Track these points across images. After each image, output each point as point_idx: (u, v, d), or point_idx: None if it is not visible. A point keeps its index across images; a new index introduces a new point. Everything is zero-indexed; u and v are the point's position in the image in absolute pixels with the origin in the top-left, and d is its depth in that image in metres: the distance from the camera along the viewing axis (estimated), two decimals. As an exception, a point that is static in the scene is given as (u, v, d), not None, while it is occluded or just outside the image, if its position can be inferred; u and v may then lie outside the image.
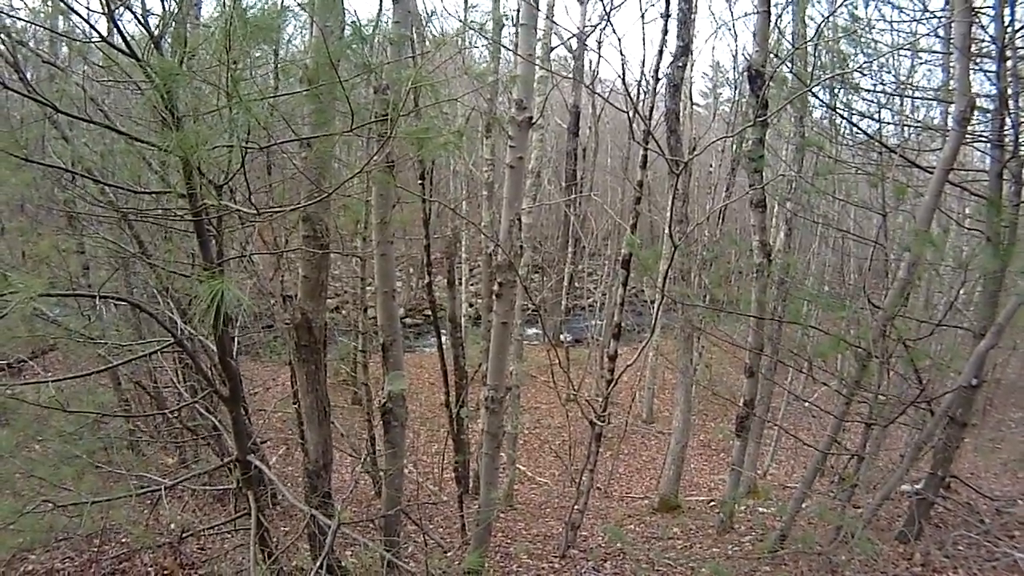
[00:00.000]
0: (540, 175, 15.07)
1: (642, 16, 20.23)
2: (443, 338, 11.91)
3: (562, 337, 24.47)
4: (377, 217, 5.78)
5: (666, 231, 9.06)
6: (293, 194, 6.64)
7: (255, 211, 3.86)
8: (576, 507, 8.45)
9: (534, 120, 5.96)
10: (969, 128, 8.06)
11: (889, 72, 11.11)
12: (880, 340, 6.42)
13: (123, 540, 6.77)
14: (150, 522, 5.58)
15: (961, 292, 8.63)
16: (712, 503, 11.22)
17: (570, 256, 26.85)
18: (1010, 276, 6.60)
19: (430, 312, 12.23)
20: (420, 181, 10.11)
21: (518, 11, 8.77)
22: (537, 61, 7.05)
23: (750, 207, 8.72)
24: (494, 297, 5.99)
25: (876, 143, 8.84)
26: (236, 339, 7.74)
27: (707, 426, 18.66)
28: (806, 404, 12.32)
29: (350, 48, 3.59)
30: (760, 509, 10.07)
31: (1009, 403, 19.66)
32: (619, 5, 18.51)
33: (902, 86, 10.16)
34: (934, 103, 12.06)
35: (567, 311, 26.87)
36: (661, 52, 7.93)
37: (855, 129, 9.54)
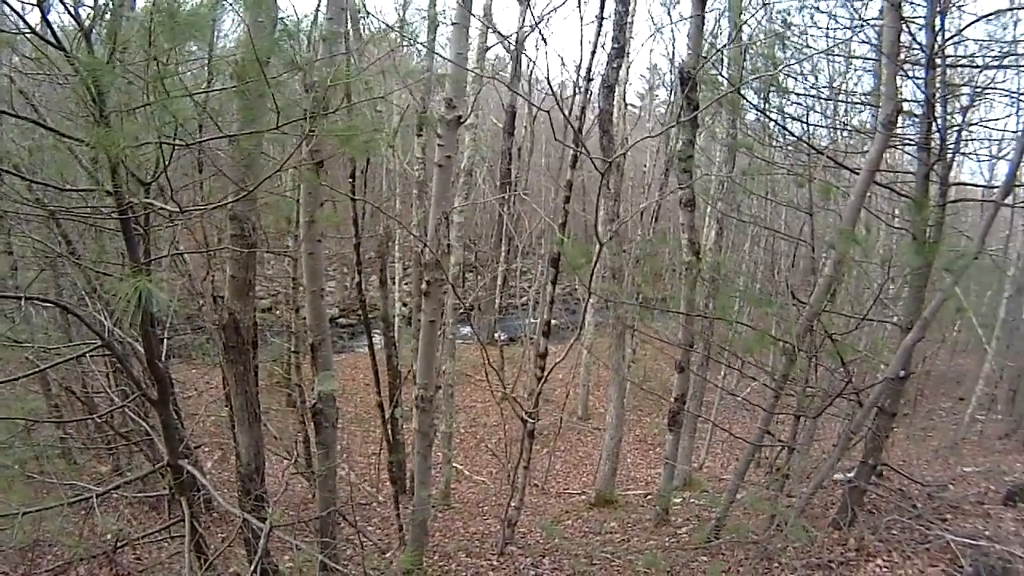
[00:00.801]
0: (472, 174, 15.05)
1: (580, 18, 20.30)
2: (375, 338, 11.81)
3: (496, 336, 24.46)
4: (305, 215, 5.70)
5: (613, 229, 9.16)
6: (223, 192, 6.53)
7: (178, 209, 3.78)
8: (512, 504, 8.48)
9: (463, 119, 5.96)
10: (899, 132, 8.30)
11: (818, 77, 11.37)
12: (806, 335, 6.57)
13: (57, 552, 6.61)
14: (84, 532, 5.45)
15: (888, 288, 8.86)
16: (648, 496, 11.35)
17: (503, 255, 26.86)
18: (936, 272, 6.81)
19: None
20: (350, 179, 10.02)
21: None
22: (470, 61, 7.06)
23: (680, 206, 8.83)
24: (422, 296, 5.96)
25: (804, 145, 9.04)
26: (165, 340, 7.56)
27: (642, 421, 18.85)
28: (739, 399, 12.54)
29: (277, 45, 3.53)
30: (696, 501, 10.23)
31: (939, 393, 20.36)
32: (557, 6, 18.62)
33: (833, 90, 10.40)
34: (867, 108, 12.40)
35: (501, 310, 26.89)
36: (594, 53, 8.03)
37: (785, 131, 9.73)
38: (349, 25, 9.33)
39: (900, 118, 8.94)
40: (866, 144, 11.12)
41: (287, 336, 13.94)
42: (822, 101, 10.30)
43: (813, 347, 6.69)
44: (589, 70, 8.46)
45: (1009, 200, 9.80)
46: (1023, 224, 16.00)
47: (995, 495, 8.55)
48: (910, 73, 8.42)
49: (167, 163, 3.31)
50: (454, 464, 13.63)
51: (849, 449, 6.75)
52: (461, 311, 14.11)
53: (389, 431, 10.67)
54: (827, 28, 9.24)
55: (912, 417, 17.16)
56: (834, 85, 10.87)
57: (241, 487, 5.87)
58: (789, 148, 9.69)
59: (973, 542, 6.58)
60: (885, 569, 6.32)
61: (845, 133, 11.31)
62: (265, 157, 5.37)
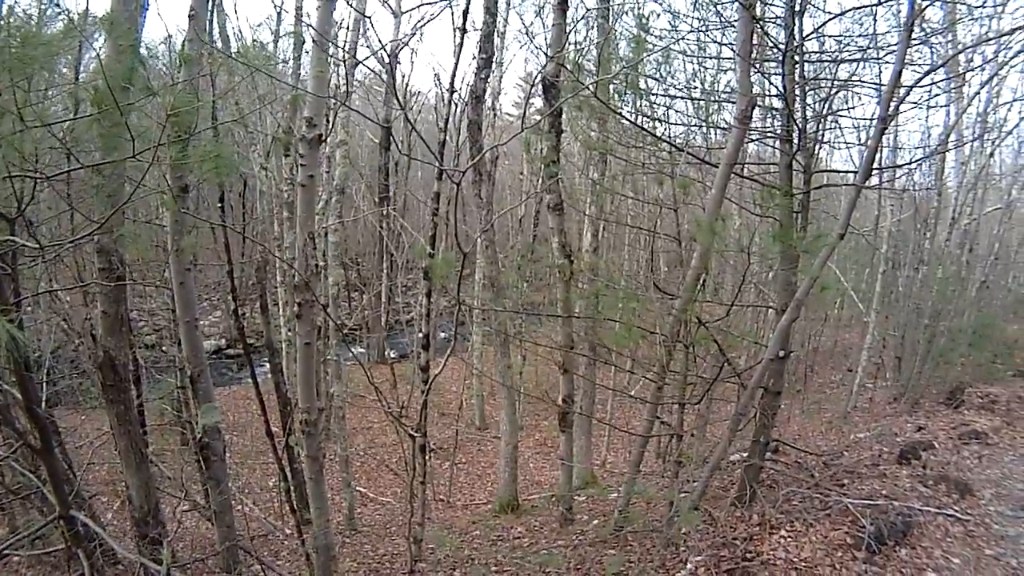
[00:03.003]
0: (345, 191, 14.91)
1: (453, 30, 20.33)
2: (263, 366, 11.51)
3: (387, 353, 24.22)
4: (173, 244, 5.55)
5: (478, 238, 9.19)
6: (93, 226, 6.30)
7: (39, 245, 3.63)
8: (415, 521, 8.41)
9: (324, 138, 5.90)
10: (763, 127, 8.62)
11: (682, 77, 11.71)
12: (680, 326, 6.76)
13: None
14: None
15: (765, 274, 9.16)
16: (553, 498, 11.45)
17: (386, 271, 26.60)
18: (805, 256, 7.10)
19: (252, 340, 11.82)
20: (219, 204, 9.82)
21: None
22: (339, 76, 7.00)
23: (548, 210, 8.96)
24: (296, 318, 5.84)
25: (665, 143, 9.30)
26: (44, 385, 7.24)
27: (540, 426, 19.01)
28: (630, 396, 12.76)
29: (133, 71, 3.42)
30: (599, 497, 10.36)
31: (828, 368, 21.36)
32: (429, 19, 18.64)
33: (692, 90, 10.69)
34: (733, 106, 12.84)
35: (389, 327, 26.63)
36: (457, 65, 8.08)
37: (645, 132, 9.96)
38: (220, 44, 9.15)
39: (768, 113, 9.34)
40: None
41: (174, 372, 13.50)
42: (688, 101, 10.60)
43: (689, 337, 6.87)
44: (452, 81, 8.49)
45: (874, 182, 10.35)
46: (891, 205, 16.83)
47: (889, 456, 9.03)
48: (772, 70, 8.81)
49: (32, 197, 3.18)
50: (357, 488, 13.45)
51: (740, 430, 6.94)
52: (346, 331, 13.95)
53: (284, 459, 10.43)
54: (695, 30, 9.52)
55: (804, 393, 17.87)
56: (695, 84, 11.20)
57: (136, 531, 5.69)
58: (652, 148, 9.91)
59: (872, 502, 6.93)
60: (789, 539, 6.55)
61: (718, 131, 11.68)
62: (134, 186, 5.22)
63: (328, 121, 11.15)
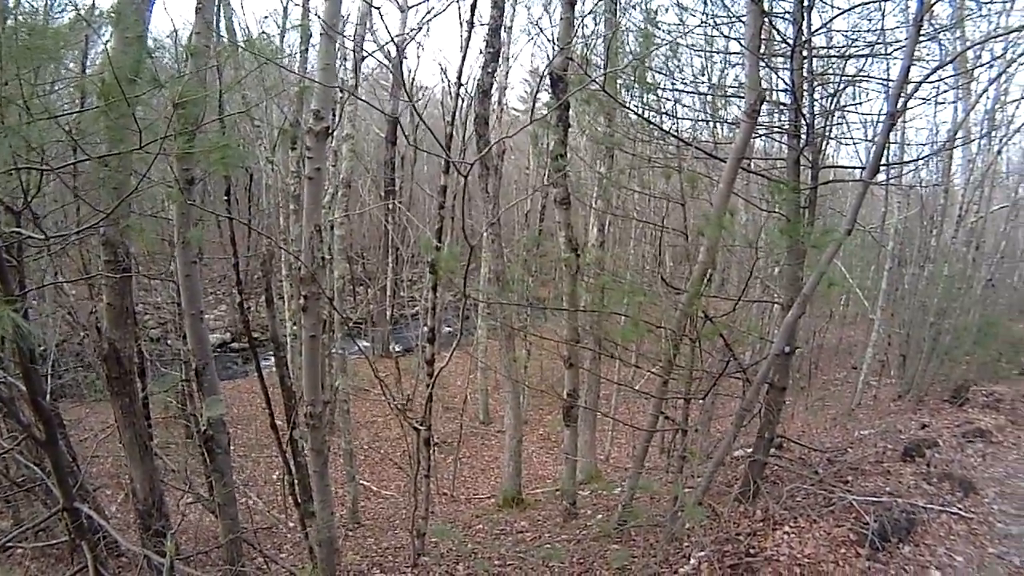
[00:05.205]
0: (351, 185, 14.89)
1: (460, 24, 20.32)
2: (269, 359, 11.51)
3: (392, 347, 24.21)
4: (179, 237, 5.55)
5: (484, 233, 9.19)
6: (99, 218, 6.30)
7: (43, 236, 3.63)
8: (419, 514, 8.42)
9: (331, 130, 5.90)
10: (771, 122, 8.59)
11: (692, 72, 11.69)
12: (686, 320, 6.74)
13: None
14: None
15: (772, 269, 9.15)
16: (557, 492, 11.45)
17: (391, 265, 26.58)
18: (812, 252, 7.09)
19: (258, 333, 11.79)
20: (226, 197, 9.81)
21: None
22: (346, 70, 6.99)
23: (555, 204, 8.94)
24: (302, 311, 5.83)
25: (673, 137, 9.28)
26: (49, 378, 7.24)
27: (544, 420, 19.02)
28: (635, 390, 12.74)
29: (140, 62, 3.41)
30: (603, 492, 10.36)
31: (833, 364, 21.38)
32: (438, 13, 18.64)
33: (701, 84, 10.67)
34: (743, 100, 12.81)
35: (394, 321, 26.60)
36: (464, 59, 8.06)
37: (653, 126, 9.95)
38: (227, 37, 9.14)
39: (777, 108, 9.32)
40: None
41: (179, 365, 13.51)
42: (696, 96, 10.59)
43: (695, 331, 6.86)
44: (460, 76, 8.48)
45: (881, 178, 10.31)
46: (898, 202, 16.82)
47: (893, 453, 9.00)
48: (780, 65, 8.79)
49: (38, 190, 3.18)
50: (361, 482, 13.45)
51: (745, 426, 6.94)
52: (350, 324, 13.93)
53: (288, 453, 10.43)
54: (703, 24, 9.50)
55: (809, 390, 17.86)
56: (703, 79, 11.18)
57: (140, 523, 5.70)
58: (660, 142, 9.90)
59: (876, 499, 6.93)
60: (793, 535, 6.54)
61: (726, 126, 11.66)
62: (139, 178, 5.22)
63: (335, 115, 11.14)
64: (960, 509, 7.05)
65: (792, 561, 6.10)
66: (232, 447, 7.46)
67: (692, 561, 6.51)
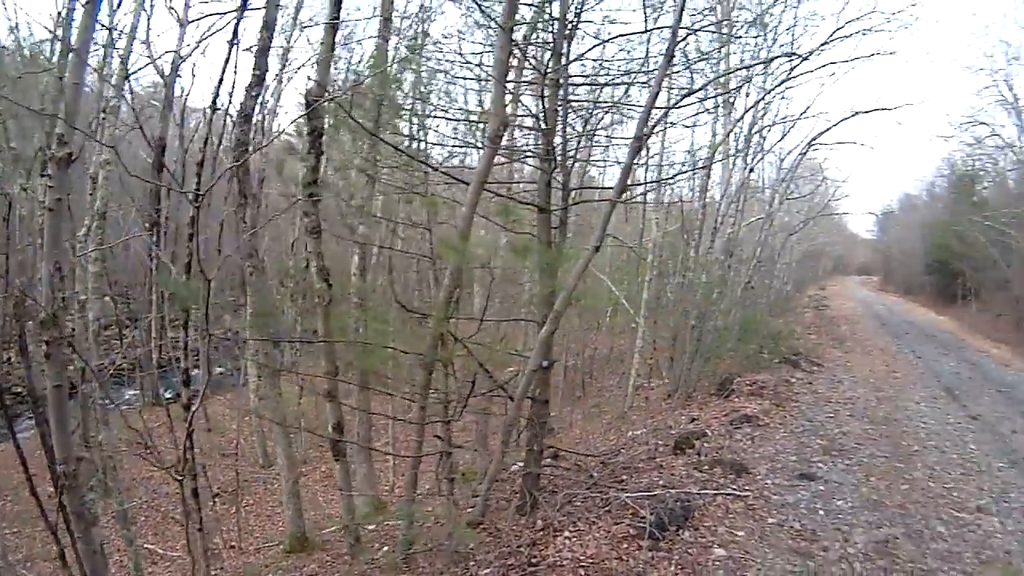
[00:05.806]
0: (106, 216, 13.87)
1: (236, 44, 19.39)
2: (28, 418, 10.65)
3: (162, 393, 22.31)
4: None
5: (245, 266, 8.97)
6: None
7: None
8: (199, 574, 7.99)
9: (74, 157, 5.47)
10: (523, 145, 8.94)
11: (440, 97, 11.95)
12: (436, 344, 6.85)
13: None
14: None
15: (493, 289, 9.43)
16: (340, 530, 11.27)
17: (154, 303, 24.35)
18: (565, 269, 7.41)
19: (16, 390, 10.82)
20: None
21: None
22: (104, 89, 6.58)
23: (306, 234, 8.83)
24: (45, 358, 5.26)
25: (420, 162, 9.44)
26: None
27: (325, 457, 18.47)
28: (400, 419, 12.70)
29: None
30: (388, 523, 10.31)
31: (606, 372, 22.32)
32: (217, 31, 18.01)
33: (447, 111, 10.88)
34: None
35: (160, 365, 24.21)
36: (221, 81, 7.81)
37: (399, 151, 10.07)
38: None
39: (530, 131, 9.71)
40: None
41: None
42: (449, 122, 10.79)
43: (447, 354, 6.95)
44: (214, 100, 8.21)
45: (650, 197, 10.90)
46: (656, 218, 17.93)
47: (664, 448, 9.66)
48: (534, 92, 9.19)
49: None
50: (145, 545, 12.66)
51: (515, 441, 7.14)
52: (112, 371, 13.02)
53: (60, 520, 9.65)
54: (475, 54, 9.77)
55: (584, 398, 18.61)
56: (457, 105, 11.43)
57: None
58: (406, 168, 9.99)
59: (650, 493, 7.38)
60: (573, 538, 6.78)
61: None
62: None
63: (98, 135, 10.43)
64: (735, 489, 7.68)
65: (576, 564, 6.29)
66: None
67: (479, 579, 6.60)
